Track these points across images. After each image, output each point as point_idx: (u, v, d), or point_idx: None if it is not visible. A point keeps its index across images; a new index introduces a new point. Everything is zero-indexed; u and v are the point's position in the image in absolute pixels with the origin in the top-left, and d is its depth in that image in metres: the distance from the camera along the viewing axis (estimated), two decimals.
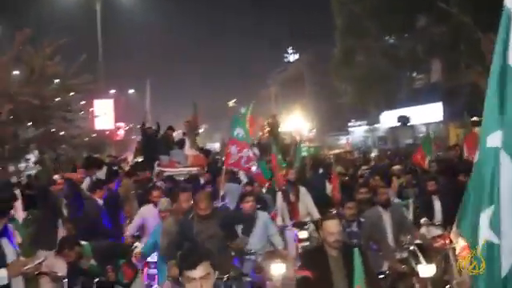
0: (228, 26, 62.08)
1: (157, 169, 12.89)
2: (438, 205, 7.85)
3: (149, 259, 6.86)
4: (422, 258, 5.92)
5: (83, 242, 5.73)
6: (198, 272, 3.01)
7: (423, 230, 7.26)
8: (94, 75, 15.92)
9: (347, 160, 16.31)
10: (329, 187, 10.38)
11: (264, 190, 9.51)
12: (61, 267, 5.68)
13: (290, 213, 8.80)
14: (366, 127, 36.36)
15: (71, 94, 13.30)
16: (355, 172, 12.94)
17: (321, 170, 12.29)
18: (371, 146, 33.30)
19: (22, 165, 13.64)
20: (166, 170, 12.78)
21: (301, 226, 8.41)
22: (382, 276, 5.37)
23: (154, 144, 13.97)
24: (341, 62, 25.25)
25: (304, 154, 14.96)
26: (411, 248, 6.11)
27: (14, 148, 11.97)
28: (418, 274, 5.90)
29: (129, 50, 50.39)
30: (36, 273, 4.35)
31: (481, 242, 2.98)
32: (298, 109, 41.19)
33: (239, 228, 6.62)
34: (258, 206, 7.31)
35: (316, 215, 8.76)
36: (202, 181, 11.33)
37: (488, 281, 2.95)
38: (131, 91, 47.88)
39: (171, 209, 6.86)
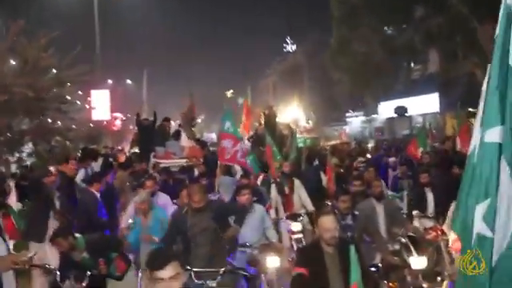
0: (226, 15, 61.86)
1: (152, 160, 12.88)
2: (430, 197, 7.87)
3: None
4: (413, 250, 5.97)
5: (77, 235, 5.72)
6: (166, 272, 2.94)
7: (416, 222, 7.28)
8: (91, 66, 15.88)
9: (343, 151, 16.31)
10: (324, 179, 10.39)
11: (259, 182, 9.49)
12: (53, 259, 5.70)
13: (284, 205, 8.81)
14: (363, 118, 36.34)
15: (66, 85, 13.23)
16: (351, 163, 12.94)
17: (316, 162, 12.29)
18: (368, 136, 33.32)
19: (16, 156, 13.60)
20: (161, 161, 12.76)
21: (295, 218, 8.42)
22: (373, 269, 5.37)
23: (150, 135, 13.93)
24: (337, 52, 25.19)
25: (300, 144, 14.97)
26: (403, 240, 6.14)
27: (9, 140, 11.94)
28: (409, 265, 5.94)
29: (126, 40, 50.14)
30: (27, 266, 4.35)
31: (474, 234, 2.96)
32: (296, 99, 41.14)
33: (232, 219, 6.62)
34: (255, 199, 7.30)
35: (310, 207, 8.79)
36: (196, 172, 11.29)
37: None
38: (128, 81, 47.70)
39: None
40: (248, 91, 11.50)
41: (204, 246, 5.77)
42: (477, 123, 3.15)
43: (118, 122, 36.69)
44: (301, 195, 8.95)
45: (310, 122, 38.68)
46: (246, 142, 12.54)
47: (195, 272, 5.20)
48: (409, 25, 22.56)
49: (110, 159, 14.30)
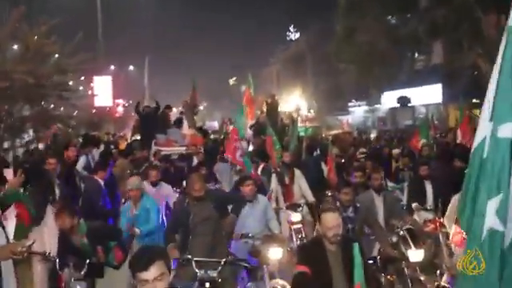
0: (230, 3, 61.32)
1: (154, 148, 12.89)
2: (429, 189, 7.85)
3: None
4: (411, 243, 5.97)
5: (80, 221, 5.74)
6: (150, 273, 2.79)
7: (415, 215, 7.28)
8: (93, 52, 15.85)
9: (345, 141, 16.27)
10: (325, 169, 10.37)
11: (259, 172, 9.49)
12: (52, 246, 5.71)
13: (285, 195, 8.78)
14: (366, 108, 36.25)
15: (68, 73, 13.20)
16: (354, 153, 12.89)
17: (317, 152, 12.26)
18: (370, 126, 33.26)
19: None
20: (162, 149, 12.76)
21: (295, 208, 8.40)
22: (371, 261, 5.37)
23: (153, 122, 13.93)
24: (341, 42, 25.06)
25: (301, 134, 14.94)
26: (401, 233, 6.13)
27: (10, 126, 11.95)
28: (407, 258, 5.95)
29: (129, 26, 49.85)
30: (26, 255, 4.36)
31: (485, 229, 2.96)
32: (299, 88, 41.03)
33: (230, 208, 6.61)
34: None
35: (310, 198, 8.78)
36: (196, 160, 11.29)
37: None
38: (131, 68, 47.62)
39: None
40: (249, 78, 11.42)
41: (205, 235, 5.78)
42: (483, 117, 3.13)
43: (121, 109, 36.72)
44: (301, 185, 8.92)
45: (312, 111, 38.61)
46: (249, 130, 12.51)
47: (196, 261, 5.21)
48: (413, 15, 22.38)
49: (112, 146, 14.33)
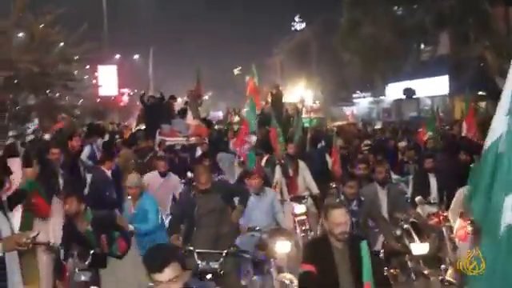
0: None
1: (158, 138, 12.88)
2: (433, 182, 7.81)
3: None
4: (415, 236, 5.97)
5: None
6: (165, 275, 2.78)
7: (419, 208, 7.26)
8: (98, 42, 15.82)
9: (349, 132, 16.21)
10: (330, 161, 10.34)
11: (263, 164, 9.47)
12: (57, 236, 5.73)
13: (289, 187, 8.76)
14: (371, 99, 36.09)
15: (73, 63, 13.20)
16: (359, 145, 12.83)
17: (322, 143, 12.22)
18: (375, 118, 33.13)
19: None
20: (167, 139, 12.75)
21: (299, 200, 8.40)
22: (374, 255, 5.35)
23: (157, 112, 13.91)
24: (347, 33, 24.92)
25: (306, 125, 14.89)
26: (405, 226, 6.13)
27: (15, 115, 11.97)
28: (411, 251, 5.94)
29: (134, 17, 49.73)
30: (31, 246, 4.37)
31: (503, 226, 2.92)
32: (304, 79, 40.84)
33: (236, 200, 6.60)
34: None
35: (315, 190, 8.75)
36: (199, 151, 11.28)
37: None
38: (136, 57, 47.49)
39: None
40: (253, 69, 11.33)
41: (210, 227, 5.81)
42: (500, 111, 3.09)
43: (126, 98, 36.69)
44: (305, 177, 8.89)
45: (317, 101, 38.46)
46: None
47: (198, 253, 5.23)
48: (420, 5, 22.22)
49: (116, 136, 14.33)
